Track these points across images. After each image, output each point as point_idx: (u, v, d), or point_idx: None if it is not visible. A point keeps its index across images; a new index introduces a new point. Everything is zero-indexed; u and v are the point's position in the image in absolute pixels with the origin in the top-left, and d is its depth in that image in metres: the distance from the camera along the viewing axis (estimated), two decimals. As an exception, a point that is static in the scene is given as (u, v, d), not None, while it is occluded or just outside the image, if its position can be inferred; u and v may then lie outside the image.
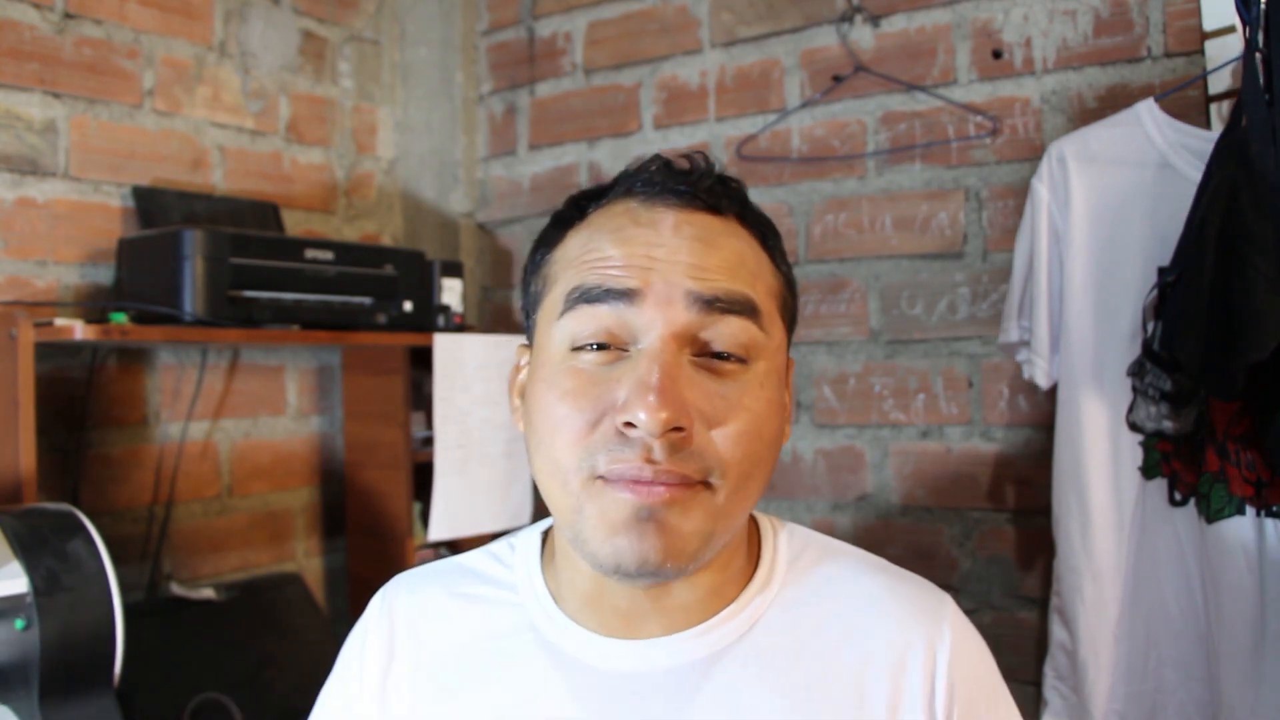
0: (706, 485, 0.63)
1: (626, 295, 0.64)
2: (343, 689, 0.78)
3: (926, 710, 0.68)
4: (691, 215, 0.68)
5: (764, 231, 0.72)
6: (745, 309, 0.65)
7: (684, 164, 0.71)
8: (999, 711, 0.73)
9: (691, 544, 0.63)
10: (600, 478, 0.63)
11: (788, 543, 0.76)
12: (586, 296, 0.65)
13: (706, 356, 0.65)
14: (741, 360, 0.66)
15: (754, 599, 0.71)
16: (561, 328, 0.66)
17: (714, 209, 0.69)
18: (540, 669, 0.70)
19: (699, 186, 0.69)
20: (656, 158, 0.72)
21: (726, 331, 0.65)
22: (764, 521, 0.77)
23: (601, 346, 0.65)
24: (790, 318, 0.73)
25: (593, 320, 0.65)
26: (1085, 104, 1.59)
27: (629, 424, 0.61)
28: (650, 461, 0.61)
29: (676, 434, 0.61)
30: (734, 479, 0.64)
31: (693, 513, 0.63)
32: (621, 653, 0.69)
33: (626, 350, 0.65)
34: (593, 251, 0.67)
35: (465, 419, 1.82)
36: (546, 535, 0.78)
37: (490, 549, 0.80)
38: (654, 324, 0.64)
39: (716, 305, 0.64)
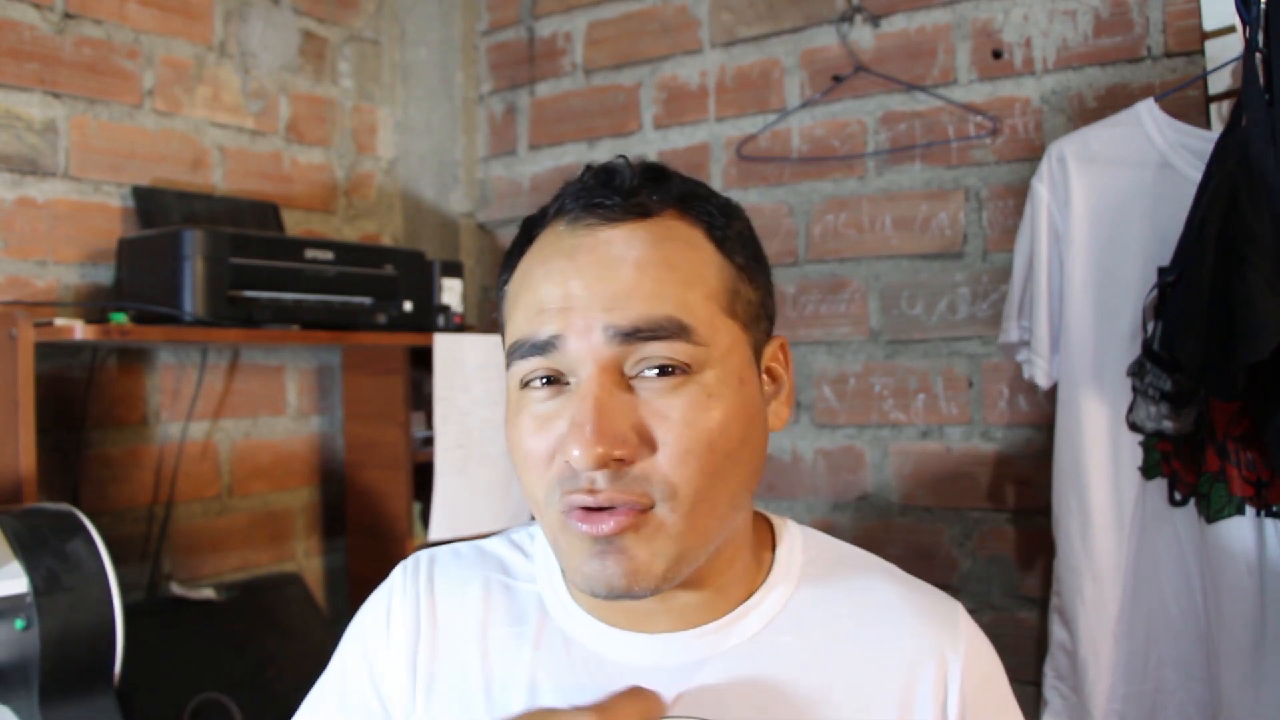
0: (656, 508, 0.63)
1: (548, 345, 0.65)
2: (366, 644, 0.77)
3: (940, 711, 0.69)
4: (614, 230, 0.66)
5: (710, 221, 0.69)
6: (669, 332, 0.63)
7: (607, 173, 0.69)
8: (1009, 711, 0.75)
9: (656, 567, 0.64)
10: (565, 511, 0.65)
11: (803, 546, 0.76)
12: (519, 353, 0.66)
13: (644, 376, 0.64)
14: (683, 371, 0.64)
15: (767, 598, 0.72)
16: (511, 374, 0.68)
17: (642, 214, 0.67)
18: (553, 657, 0.72)
19: (623, 193, 0.67)
20: (586, 169, 0.71)
21: (656, 355, 0.64)
22: (778, 523, 0.77)
23: (548, 380, 0.66)
24: (749, 310, 0.70)
25: (531, 367, 0.66)
26: (1085, 104, 1.59)
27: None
28: (592, 492, 0.63)
29: (615, 464, 0.62)
30: (686, 498, 0.63)
31: (649, 539, 0.63)
32: (633, 645, 0.70)
33: (569, 383, 0.66)
34: (524, 291, 0.68)
35: (465, 419, 1.82)
36: None
37: (510, 536, 0.81)
38: (582, 360, 0.64)
39: (638, 335, 0.63)
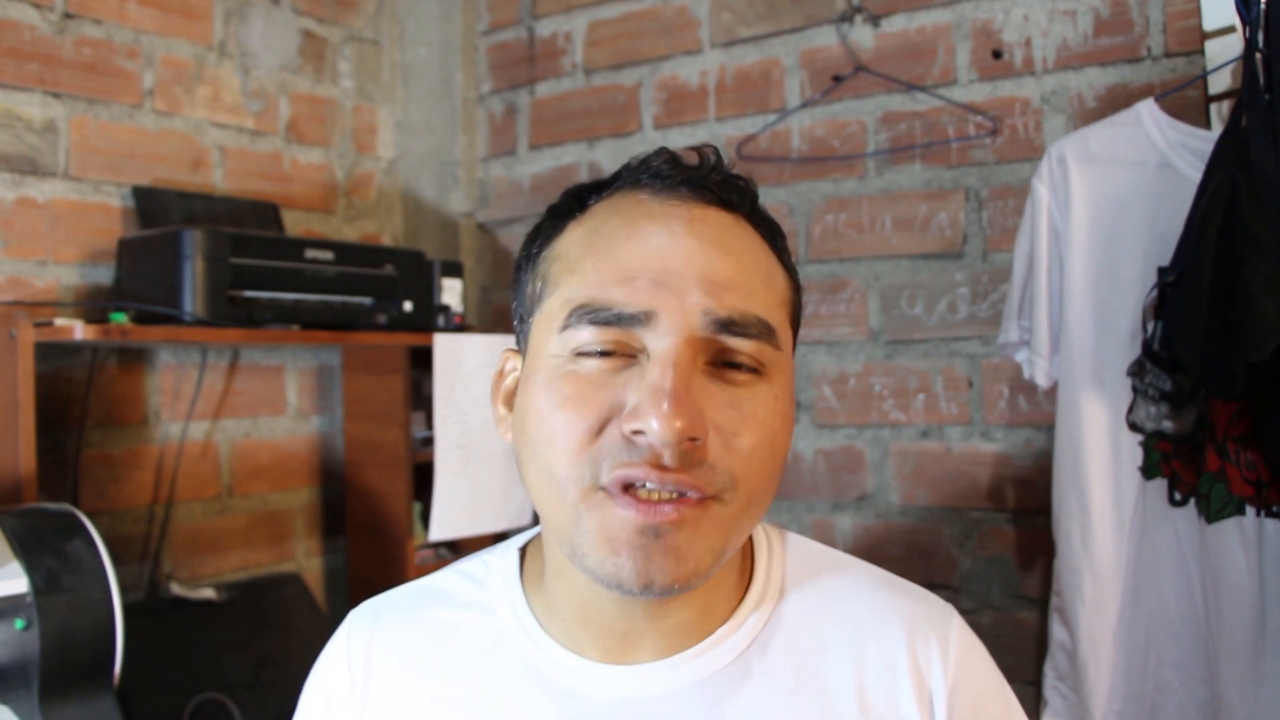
0: (717, 499, 0.60)
1: (636, 319, 0.60)
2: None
3: None
4: (705, 211, 0.65)
5: (772, 233, 0.69)
6: (759, 332, 0.62)
7: (694, 157, 0.68)
8: None
9: (703, 563, 0.60)
10: (602, 489, 0.59)
11: (784, 556, 0.73)
12: (595, 318, 0.61)
13: (720, 366, 0.62)
14: (755, 371, 0.62)
15: (750, 615, 0.68)
16: (564, 337, 0.62)
17: (726, 205, 0.66)
18: (523, 697, 0.67)
19: (711, 180, 0.66)
20: (663, 150, 0.68)
21: (740, 349, 0.62)
22: (758, 532, 0.74)
23: (606, 353, 0.61)
24: (796, 322, 0.70)
25: (600, 334, 0.61)
26: (1085, 104, 1.59)
27: (638, 431, 0.58)
28: (659, 468, 0.58)
29: (690, 444, 0.58)
30: (745, 494, 0.61)
31: (704, 531, 0.60)
32: (610, 678, 0.66)
33: (634, 357, 0.61)
34: (599, 252, 0.63)
35: (465, 419, 1.82)
36: (524, 552, 0.74)
37: (461, 567, 0.75)
38: (667, 334, 0.60)
39: (731, 328, 0.61)
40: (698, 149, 0.68)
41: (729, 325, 0.61)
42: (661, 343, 0.60)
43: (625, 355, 0.61)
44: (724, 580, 0.68)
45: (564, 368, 0.62)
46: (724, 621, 0.67)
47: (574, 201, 0.69)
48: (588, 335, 0.61)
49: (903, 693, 0.66)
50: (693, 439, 0.58)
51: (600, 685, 0.66)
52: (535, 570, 0.71)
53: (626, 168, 0.68)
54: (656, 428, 0.57)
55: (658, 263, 0.61)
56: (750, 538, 0.73)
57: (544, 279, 0.66)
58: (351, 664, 0.72)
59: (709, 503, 0.60)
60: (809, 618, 0.69)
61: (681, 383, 0.58)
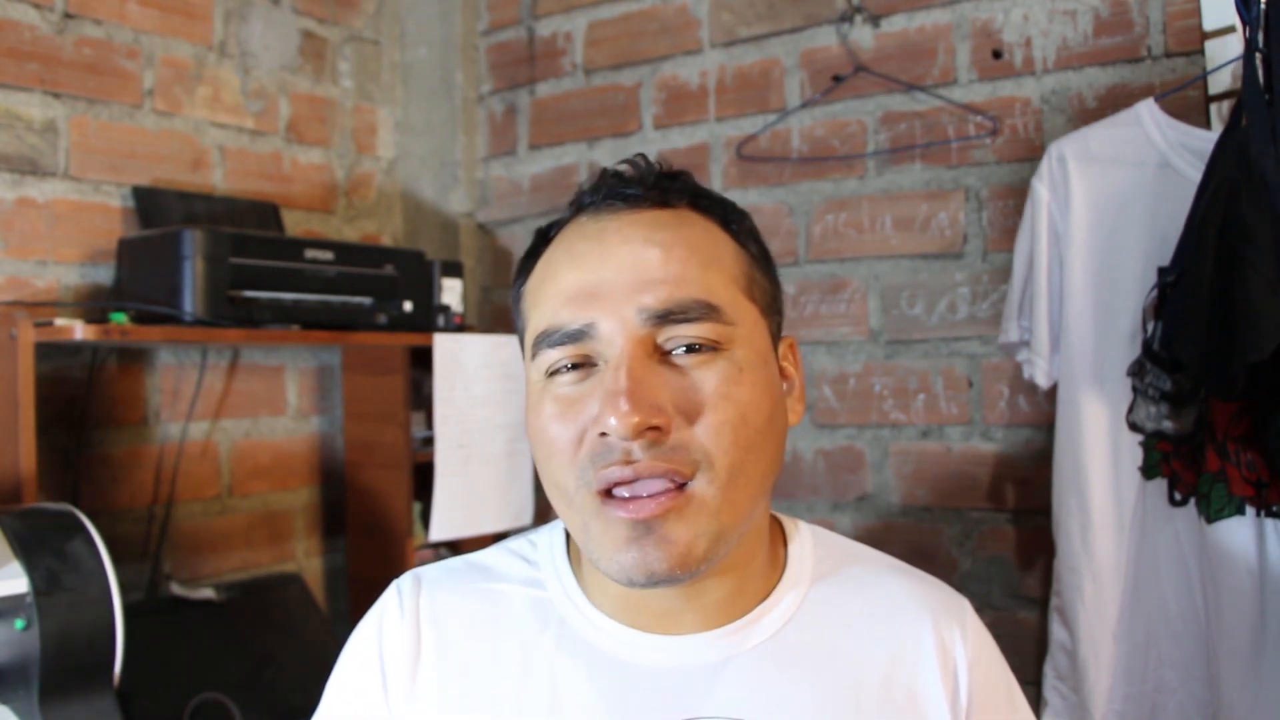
0: (696, 480, 0.64)
1: (580, 332, 0.66)
2: (356, 685, 0.75)
3: (950, 704, 0.72)
4: (637, 215, 0.70)
5: (725, 215, 0.73)
6: (699, 313, 0.66)
7: (627, 169, 0.73)
8: (1016, 708, 0.77)
9: (697, 547, 0.63)
10: (599, 493, 0.64)
11: (813, 544, 0.78)
12: (548, 341, 0.67)
13: (675, 354, 0.66)
14: (713, 348, 0.66)
15: (785, 596, 0.73)
16: (536, 363, 0.69)
17: (662, 203, 0.71)
18: (574, 665, 0.71)
19: (642, 184, 0.71)
20: (601, 172, 0.74)
21: (687, 334, 0.66)
22: (787, 522, 0.79)
23: (575, 365, 0.67)
24: (764, 297, 0.73)
25: (560, 355, 0.67)
26: (1085, 104, 1.59)
27: (604, 433, 0.63)
28: (630, 463, 0.62)
29: (653, 433, 0.62)
30: (724, 470, 0.64)
31: (689, 517, 0.63)
32: (656, 648, 0.70)
33: (596, 366, 0.66)
34: (548, 282, 0.69)
35: (465, 419, 1.82)
36: (569, 532, 0.78)
37: (509, 546, 0.80)
38: (614, 339, 0.65)
39: (670, 317, 0.65)
40: (629, 160, 0.73)
41: (668, 315, 0.65)
42: (610, 348, 0.65)
43: (590, 366, 0.67)
44: (753, 560, 0.72)
45: (546, 391, 0.68)
46: (760, 601, 0.72)
47: (539, 239, 0.75)
48: (554, 355, 0.67)
49: (928, 668, 0.72)
50: (653, 427, 0.62)
51: (646, 654, 0.70)
52: (579, 551, 0.75)
53: (576, 197, 0.74)
54: (615, 425, 0.62)
55: (593, 276, 0.67)
56: (782, 527, 0.78)
57: (523, 315, 0.74)
58: (420, 622, 0.74)
59: (689, 488, 0.64)
60: (838, 600, 0.74)
61: (632, 379, 0.63)
